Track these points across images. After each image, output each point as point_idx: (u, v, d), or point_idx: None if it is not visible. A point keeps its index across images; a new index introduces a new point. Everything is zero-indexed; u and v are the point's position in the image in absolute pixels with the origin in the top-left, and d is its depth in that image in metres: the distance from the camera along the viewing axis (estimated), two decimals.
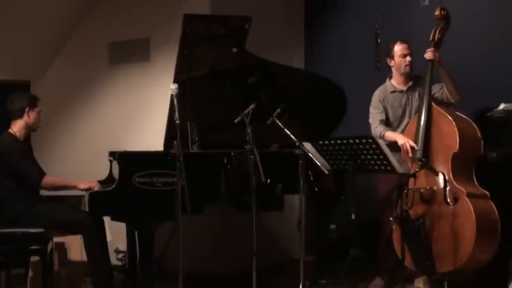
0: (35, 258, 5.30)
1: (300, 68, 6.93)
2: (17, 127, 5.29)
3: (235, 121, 4.97)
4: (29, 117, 5.30)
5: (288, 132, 5.05)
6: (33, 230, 5.06)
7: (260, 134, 4.97)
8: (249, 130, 4.88)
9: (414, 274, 5.56)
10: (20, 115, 5.29)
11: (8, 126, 5.29)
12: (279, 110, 5.11)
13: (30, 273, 5.45)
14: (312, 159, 5.12)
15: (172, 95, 4.71)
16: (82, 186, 5.20)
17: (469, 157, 5.43)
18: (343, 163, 5.13)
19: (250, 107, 4.96)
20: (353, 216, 5.10)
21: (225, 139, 5.25)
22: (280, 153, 5.49)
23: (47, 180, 5.24)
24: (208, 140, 5.36)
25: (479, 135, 5.45)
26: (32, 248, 5.11)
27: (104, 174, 5.41)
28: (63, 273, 5.67)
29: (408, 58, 5.67)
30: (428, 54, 5.49)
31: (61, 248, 5.72)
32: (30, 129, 5.38)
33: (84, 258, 5.34)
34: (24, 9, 6.40)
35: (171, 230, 4.64)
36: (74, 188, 5.26)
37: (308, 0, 7.30)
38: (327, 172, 5.20)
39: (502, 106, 5.79)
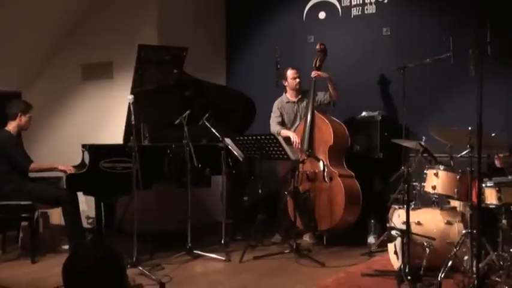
0: (24, 224, 5.33)
1: (223, 85, 6.91)
2: (11, 126, 5.23)
3: (176, 122, 5.00)
4: (20, 120, 5.23)
5: (214, 131, 5.19)
6: (23, 203, 5.04)
7: (194, 132, 5.10)
8: (185, 129, 4.98)
9: (303, 231, 5.69)
10: (14, 118, 5.23)
11: (5, 125, 5.23)
12: (207, 114, 5.22)
13: (21, 235, 5.49)
14: (231, 150, 5.27)
15: (129, 103, 4.71)
16: (60, 167, 5.16)
17: (340, 149, 5.62)
18: (253, 153, 5.14)
19: (186, 112, 5.01)
20: (260, 191, 5.17)
21: (168, 135, 5.15)
22: (208, 146, 5.46)
23: (33, 165, 5.19)
24: (156, 136, 5.32)
25: (347, 133, 5.68)
26: (22, 216, 5.14)
27: (77, 161, 5.35)
28: (46, 235, 5.57)
29: (297, 80, 5.82)
30: (313, 74, 5.69)
31: (45, 215, 5.60)
32: (21, 128, 5.31)
33: (63, 223, 5.26)
34: (15, 33, 6.22)
35: (128, 202, 4.68)
36: (55, 168, 5.18)
37: (229, 36, 7.25)
38: (241, 159, 5.35)
39: (363, 113, 5.99)
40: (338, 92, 5.72)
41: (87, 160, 5.04)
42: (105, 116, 6.46)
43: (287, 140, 5.46)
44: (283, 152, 5.02)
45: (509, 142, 4.66)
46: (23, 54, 6.60)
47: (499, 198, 4.03)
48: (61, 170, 5.14)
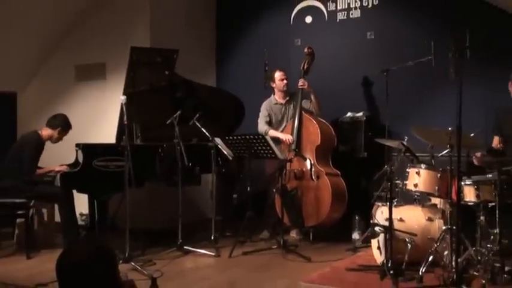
0: (20, 221, 5.29)
1: (213, 86, 6.87)
2: (45, 133, 5.28)
3: (167, 122, 4.99)
4: (57, 134, 5.30)
5: (204, 131, 5.16)
6: (18, 200, 5.02)
7: (184, 131, 5.08)
8: (176, 129, 4.96)
9: (290, 227, 5.70)
10: (52, 128, 5.27)
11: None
12: (197, 115, 5.19)
13: (17, 231, 5.44)
14: (221, 149, 5.25)
15: (122, 104, 4.68)
16: (57, 169, 5.16)
17: (327, 148, 5.63)
18: (242, 152, 5.13)
19: (178, 112, 5.01)
20: (248, 189, 5.17)
21: (159, 135, 5.16)
22: (199, 145, 5.45)
23: (36, 173, 5.18)
24: (147, 135, 5.34)
25: (333, 133, 5.69)
26: (18, 212, 5.12)
27: (72, 159, 5.34)
28: (41, 231, 5.56)
29: (284, 81, 5.81)
30: (300, 84, 5.68)
31: (39, 212, 5.61)
32: (51, 140, 5.34)
33: (57, 220, 5.28)
34: (11, 35, 6.19)
35: (120, 199, 4.67)
36: (51, 171, 5.17)
37: (219, 39, 7.24)
38: (231, 158, 5.33)
39: (349, 114, 6.00)
40: (321, 109, 5.76)
41: (80, 159, 5.01)
42: (99, 116, 6.44)
43: (275, 140, 5.45)
44: (271, 151, 5.02)
45: (487, 142, 4.71)
46: (18, 56, 6.56)
47: (477, 196, 4.08)
48: (57, 171, 5.10)
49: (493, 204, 4.01)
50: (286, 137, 5.62)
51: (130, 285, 2.06)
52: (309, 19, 6.57)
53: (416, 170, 4.36)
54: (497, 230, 3.94)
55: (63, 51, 6.80)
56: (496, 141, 4.81)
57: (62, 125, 5.30)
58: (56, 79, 6.81)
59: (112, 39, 6.40)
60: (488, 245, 3.97)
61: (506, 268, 3.86)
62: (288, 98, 5.88)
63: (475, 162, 4.49)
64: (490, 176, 4.14)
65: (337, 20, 6.40)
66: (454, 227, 3.84)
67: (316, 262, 4.68)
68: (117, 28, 6.42)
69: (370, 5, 6.20)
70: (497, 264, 3.84)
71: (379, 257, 4.42)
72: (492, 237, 3.99)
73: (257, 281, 4.19)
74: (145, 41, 6.21)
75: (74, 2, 6.48)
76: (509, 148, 4.68)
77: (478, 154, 4.44)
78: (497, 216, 3.94)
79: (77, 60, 6.71)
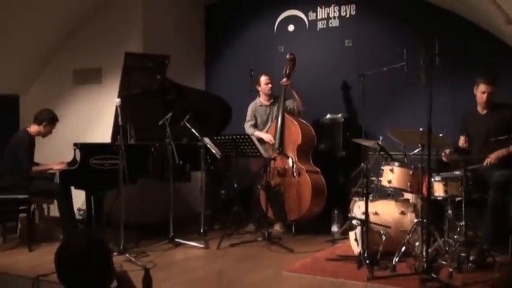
0: (23, 215, 5.25)
1: (202, 90, 6.85)
2: (33, 129, 5.18)
3: (159, 123, 4.97)
4: (44, 128, 5.20)
5: (194, 131, 5.16)
6: (21, 196, 4.98)
7: (175, 132, 5.07)
8: (168, 129, 4.95)
9: (274, 221, 5.71)
10: (39, 123, 5.18)
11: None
12: (187, 116, 5.19)
13: (19, 225, 5.41)
14: (209, 148, 5.25)
15: (116, 106, 4.67)
16: (56, 167, 5.12)
17: (307, 147, 5.64)
18: (229, 151, 5.13)
19: (169, 114, 4.99)
20: (235, 185, 5.17)
21: (152, 135, 5.13)
22: (189, 145, 5.41)
23: (34, 169, 5.12)
24: (141, 135, 5.29)
25: (314, 133, 5.70)
26: (20, 208, 5.07)
27: (69, 158, 5.29)
28: (42, 225, 5.52)
29: (269, 85, 5.83)
30: (283, 82, 5.70)
31: (40, 208, 5.56)
32: (40, 135, 5.26)
33: (57, 214, 5.22)
34: (13, 41, 6.13)
35: (115, 195, 4.64)
36: (50, 169, 5.13)
37: (207, 45, 7.18)
38: (219, 156, 5.33)
39: (328, 116, 6.01)
40: (303, 104, 5.75)
41: (78, 157, 4.96)
42: (95, 117, 6.40)
43: (260, 140, 5.46)
44: (256, 150, 5.02)
45: (454, 141, 4.76)
46: (21, 61, 6.51)
47: (446, 191, 4.12)
48: (56, 170, 5.06)
49: (460, 198, 4.05)
50: (268, 137, 5.64)
51: (124, 275, 2.05)
52: (291, 28, 6.58)
53: (390, 167, 4.39)
54: (463, 223, 3.99)
55: (62, 56, 6.74)
56: (462, 141, 4.86)
57: (47, 119, 5.21)
58: (56, 83, 6.75)
59: (108, 46, 6.38)
60: (455, 236, 4.01)
61: (471, 257, 3.91)
62: (272, 101, 5.89)
63: (444, 159, 4.53)
64: (457, 173, 4.18)
65: (318, 29, 6.42)
66: (425, 220, 3.87)
67: (298, 253, 4.69)
68: (112, 35, 6.37)
69: (348, 15, 6.23)
70: (463, 254, 3.89)
71: (356, 248, 4.44)
72: (458, 229, 4.03)
73: (243, 270, 4.19)
74: (139, 47, 6.19)
75: (73, 11, 6.41)
76: (473, 147, 4.74)
77: (447, 151, 4.48)
78: (463, 210, 3.98)
79: (75, 65, 6.68)
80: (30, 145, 5.19)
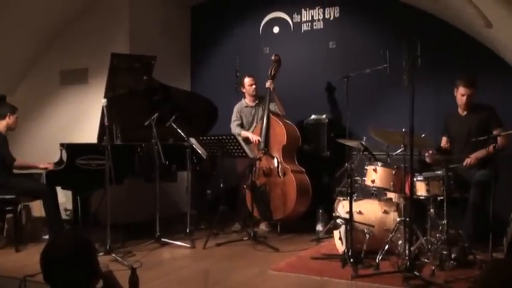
0: (9, 216, 5.17)
1: (188, 90, 6.84)
2: (1, 126, 5.12)
3: (145, 124, 4.94)
4: (10, 119, 5.14)
5: (180, 131, 5.13)
6: (7, 197, 4.90)
7: (161, 132, 5.04)
8: (154, 130, 4.91)
9: (259, 220, 5.71)
10: (3, 117, 5.12)
11: None
12: (174, 117, 5.17)
13: (6, 226, 5.33)
14: (195, 148, 5.22)
15: (103, 106, 4.63)
16: (41, 165, 5.07)
17: (292, 147, 5.65)
18: (215, 151, 5.11)
19: (155, 114, 4.96)
20: (221, 185, 5.14)
21: (138, 135, 5.07)
22: (175, 145, 5.40)
23: (18, 162, 5.08)
24: (127, 135, 5.23)
25: (298, 134, 5.72)
26: (7, 208, 4.98)
27: (56, 158, 5.25)
28: (28, 226, 5.43)
29: (253, 86, 5.83)
30: (268, 84, 5.70)
31: (27, 208, 5.49)
32: (9, 128, 5.18)
33: (43, 215, 5.14)
34: (2, 42, 6.09)
35: (102, 195, 4.58)
36: (36, 167, 5.10)
37: (193, 46, 7.16)
38: (205, 157, 5.30)
39: (313, 116, 6.03)
40: (283, 108, 5.75)
41: (64, 158, 4.91)
42: (81, 117, 6.35)
43: (246, 140, 5.46)
44: (242, 151, 5.02)
45: (436, 141, 4.80)
46: (8, 61, 6.45)
47: (428, 191, 4.15)
48: (42, 169, 5.02)
49: (441, 198, 4.08)
50: (252, 137, 5.64)
51: (110, 275, 2.03)
52: (276, 29, 6.60)
53: (374, 167, 4.41)
54: (445, 221, 4.02)
55: (49, 57, 6.71)
56: (444, 141, 4.90)
57: (8, 110, 5.18)
58: (43, 83, 6.71)
59: (94, 46, 6.34)
60: (437, 235, 4.05)
61: (453, 255, 3.95)
62: (257, 101, 5.90)
63: (427, 160, 4.56)
64: (439, 172, 4.21)
65: (302, 31, 6.45)
66: (407, 219, 3.89)
67: (283, 252, 4.69)
68: (99, 36, 6.35)
69: (332, 18, 6.27)
70: (445, 252, 3.93)
71: (340, 247, 4.46)
72: (440, 227, 4.06)
73: (229, 269, 4.18)
74: (125, 47, 6.15)
75: (60, 11, 6.39)
76: (454, 147, 4.78)
77: (430, 151, 4.51)
78: (445, 209, 4.01)
79: (61, 65, 6.64)
80: (4, 141, 5.13)
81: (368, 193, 4.68)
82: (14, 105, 5.34)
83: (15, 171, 5.21)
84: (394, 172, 4.33)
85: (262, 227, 5.73)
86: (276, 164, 5.50)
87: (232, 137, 5.05)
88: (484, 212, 4.10)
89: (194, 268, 4.33)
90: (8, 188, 4.93)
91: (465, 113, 4.71)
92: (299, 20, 6.45)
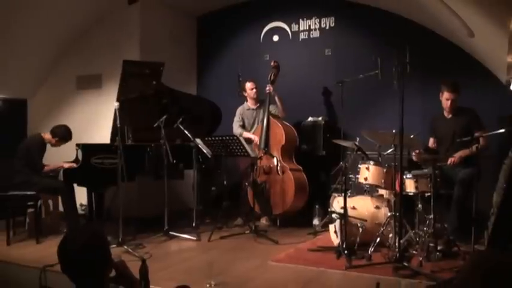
0: (30, 210, 5.20)
1: (194, 94, 6.87)
2: (47, 136, 5.22)
3: (155, 125, 4.94)
4: (54, 141, 5.24)
5: (186, 132, 5.12)
6: (29, 193, 4.97)
7: (169, 133, 5.03)
8: (162, 131, 4.90)
9: (260, 215, 5.71)
10: (53, 136, 5.21)
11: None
12: (181, 119, 5.15)
13: (27, 219, 5.36)
14: (201, 148, 5.21)
15: (115, 109, 4.66)
16: (66, 165, 5.06)
17: (291, 147, 5.64)
18: (219, 150, 5.11)
19: (164, 117, 4.95)
20: (225, 182, 5.18)
21: (148, 136, 5.07)
22: (182, 145, 5.36)
23: (46, 168, 5.09)
24: (137, 136, 5.25)
25: (296, 135, 5.71)
26: (28, 203, 5.03)
27: (72, 157, 5.28)
28: (48, 219, 5.46)
29: (254, 90, 5.82)
30: (268, 89, 5.70)
31: (46, 203, 5.51)
32: (50, 144, 5.26)
33: (61, 209, 5.23)
34: (22, 50, 6.09)
35: (115, 192, 4.61)
36: (62, 167, 5.04)
37: (199, 53, 7.18)
38: (210, 156, 5.27)
39: (310, 118, 6.03)
40: (285, 111, 5.75)
41: (80, 157, 4.95)
42: (95, 119, 6.37)
43: (247, 140, 5.46)
44: (244, 150, 5.02)
45: (424, 141, 4.80)
46: (28, 67, 6.46)
47: (416, 187, 4.16)
48: (67, 168, 5.02)
49: (429, 194, 4.09)
50: (254, 138, 5.65)
51: (122, 265, 2.04)
52: (276, 38, 6.60)
53: (366, 166, 4.42)
54: (431, 216, 4.03)
55: (66, 63, 6.70)
56: (431, 142, 4.90)
57: (60, 136, 5.23)
58: (60, 87, 6.72)
59: (107, 54, 6.36)
60: (425, 228, 4.05)
61: (439, 247, 3.96)
62: (258, 104, 5.89)
63: (414, 159, 4.57)
64: (426, 170, 4.22)
65: (300, 39, 6.45)
66: (397, 214, 3.90)
67: (282, 244, 4.69)
68: (112, 44, 6.36)
69: (327, 27, 6.27)
70: (432, 244, 3.94)
71: (335, 240, 4.46)
72: (427, 221, 4.07)
73: (232, 260, 4.18)
74: (136, 55, 6.18)
75: (77, 22, 6.40)
76: (441, 147, 4.79)
77: (416, 151, 4.52)
78: (431, 204, 4.02)
79: (77, 71, 6.66)
80: (42, 148, 5.20)
81: (361, 190, 4.69)
82: (70, 134, 5.28)
83: None
84: (385, 170, 4.33)
85: (263, 221, 5.74)
86: (275, 163, 5.49)
87: (235, 137, 5.05)
88: (468, 207, 4.12)
89: (199, 259, 4.33)
90: (30, 185, 4.97)
91: (450, 115, 4.71)
92: (297, 29, 6.46)
